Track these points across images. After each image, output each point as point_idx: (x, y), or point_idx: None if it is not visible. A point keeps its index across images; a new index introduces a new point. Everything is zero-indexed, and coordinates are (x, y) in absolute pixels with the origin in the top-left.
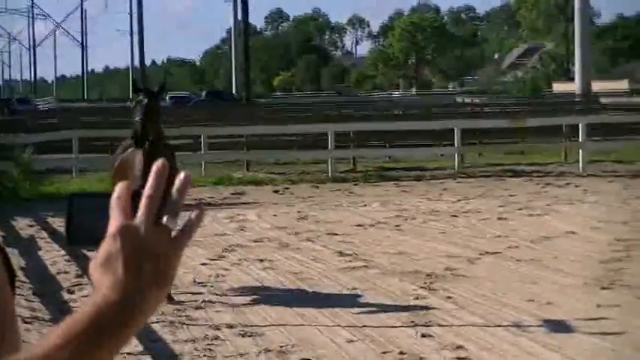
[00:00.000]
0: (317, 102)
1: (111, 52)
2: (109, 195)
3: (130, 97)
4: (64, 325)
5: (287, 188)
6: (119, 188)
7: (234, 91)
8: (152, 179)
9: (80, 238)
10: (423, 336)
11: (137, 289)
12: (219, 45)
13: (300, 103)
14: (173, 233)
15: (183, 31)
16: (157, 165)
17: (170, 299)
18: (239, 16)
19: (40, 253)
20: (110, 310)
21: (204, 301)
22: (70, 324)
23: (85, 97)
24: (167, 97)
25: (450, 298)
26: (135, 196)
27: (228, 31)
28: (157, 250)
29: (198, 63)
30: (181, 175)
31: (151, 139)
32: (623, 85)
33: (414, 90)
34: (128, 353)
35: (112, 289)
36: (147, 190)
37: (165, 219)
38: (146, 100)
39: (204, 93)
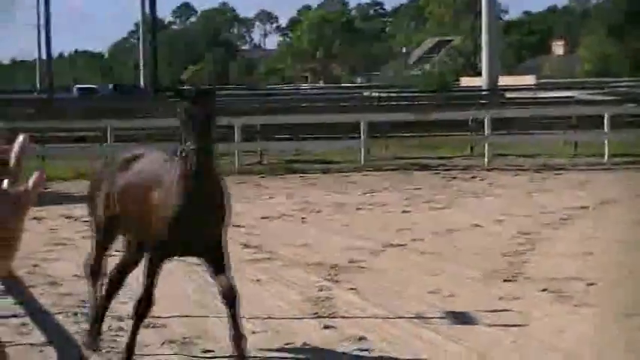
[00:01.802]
0: (223, 95)
1: (19, 44)
2: None
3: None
4: None
5: None
6: None
7: (141, 85)
8: None
9: None
10: (326, 327)
11: None
12: (127, 38)
13: None
14: (13, 198)
15: (91, 23)
16: None
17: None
18: (147, 9)
19: None
20: None
21: None
22: None
23: None
24: (75, 89)
25: (353, 289)
26: None
27: (137, 24)
28: None
29: (106, 56)
30: (19, 139)
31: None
32: (529, 80)
33: (321, 83)
34: (32, 344)
35: None
36: None
37: (4, 184)
38: (203, 112)
39: (110, 86)
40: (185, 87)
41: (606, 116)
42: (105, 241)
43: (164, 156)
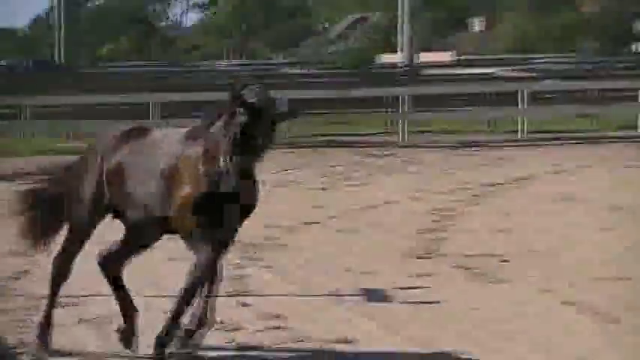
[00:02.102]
0: (141, 72)
1: None
2: None
3: None
4: None
5: None
6: None
7: (61, 61)
8: None
9: None
10: (240, 305)
11: None
12: (47, 14)
13: (125, 72)
14: None
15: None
16: None
17: None
18: None
19: None
20: None
21: (21, 272)
22: None
23: None
24: None
25: (268, 267)
26: None
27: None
28: None
29: (26, 32)
30: None
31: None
32: (447, 56)
33: (243, 60)
34: None
35: None
36: None
37: None
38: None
39: (29, 62)
40: (249, 92)
41: (521, 93)
42: (87, 229)
43: (180, 134)
